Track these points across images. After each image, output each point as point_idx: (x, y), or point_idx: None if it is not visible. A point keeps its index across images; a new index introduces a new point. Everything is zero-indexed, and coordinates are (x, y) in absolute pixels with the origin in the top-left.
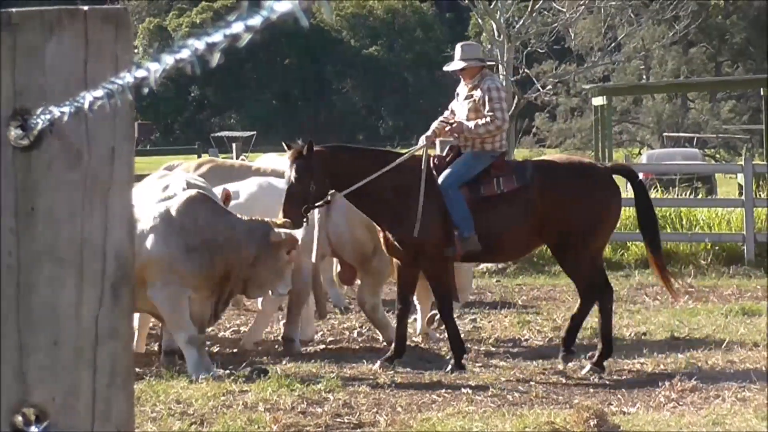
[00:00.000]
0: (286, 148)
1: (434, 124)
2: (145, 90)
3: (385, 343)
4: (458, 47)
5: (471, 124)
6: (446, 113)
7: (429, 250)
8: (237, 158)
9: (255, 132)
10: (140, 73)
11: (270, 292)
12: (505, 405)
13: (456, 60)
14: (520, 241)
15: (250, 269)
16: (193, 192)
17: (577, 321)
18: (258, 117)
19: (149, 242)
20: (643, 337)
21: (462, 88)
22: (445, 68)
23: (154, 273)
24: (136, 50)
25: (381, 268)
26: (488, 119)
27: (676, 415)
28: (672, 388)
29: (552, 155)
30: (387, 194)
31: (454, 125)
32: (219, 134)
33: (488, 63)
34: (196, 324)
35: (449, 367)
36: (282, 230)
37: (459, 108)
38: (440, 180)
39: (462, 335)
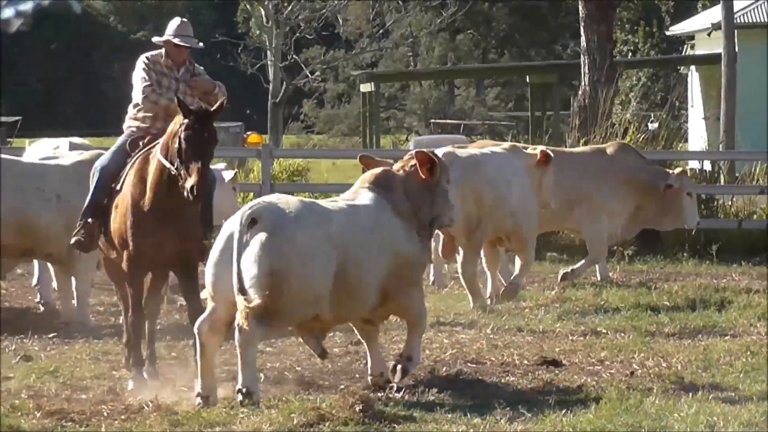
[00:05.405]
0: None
1: None
2: None
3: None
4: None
5: None
6: None
7: None
8: (2, 143)
9: (21, 117)
10: None
11: None
12: (271, 390)
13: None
14: None
15: None
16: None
17: None
18: (23, 102)
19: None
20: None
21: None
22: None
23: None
24: None
25: (482, 239)
26: None
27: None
28: (437, 372)
29: None
30: None
31: None
32: None
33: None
34: None
35: None
36: None
37: None
38: None
39: None
